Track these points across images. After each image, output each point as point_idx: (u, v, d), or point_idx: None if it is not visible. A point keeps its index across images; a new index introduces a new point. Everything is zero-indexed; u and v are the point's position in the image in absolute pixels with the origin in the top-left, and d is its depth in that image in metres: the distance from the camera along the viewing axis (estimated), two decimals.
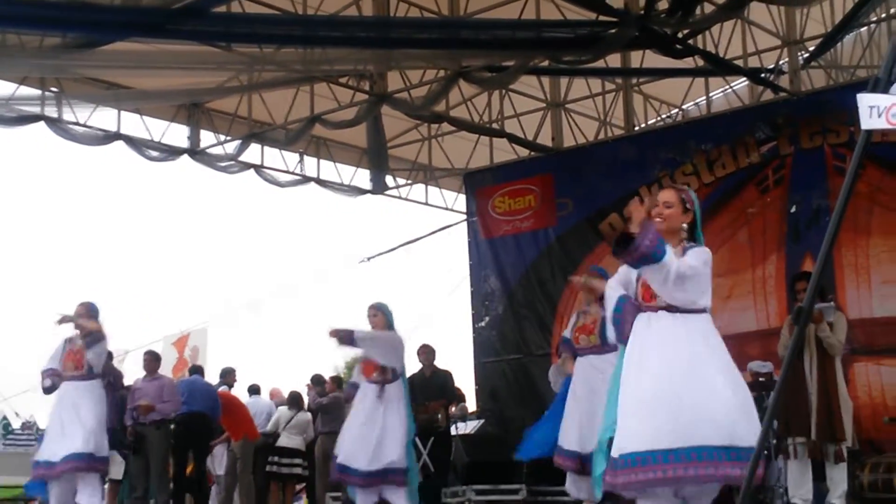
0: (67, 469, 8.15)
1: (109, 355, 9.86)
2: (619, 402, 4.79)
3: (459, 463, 10.53)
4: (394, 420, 8.17)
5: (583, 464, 7.29)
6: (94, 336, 8.38)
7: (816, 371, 7.82)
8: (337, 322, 8.31)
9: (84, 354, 8.38)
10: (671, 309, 4.78)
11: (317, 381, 12.56)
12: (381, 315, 8.43)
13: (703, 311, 4.81)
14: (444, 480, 10.49)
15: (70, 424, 8.24)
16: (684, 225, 4.89)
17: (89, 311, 8.55)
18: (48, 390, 8.48)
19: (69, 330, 8.54)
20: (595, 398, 7.14)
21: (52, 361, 8.53)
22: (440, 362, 11.52)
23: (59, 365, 8.49)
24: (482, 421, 12.22)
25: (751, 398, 4.78)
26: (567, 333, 7.93)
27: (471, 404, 13.65)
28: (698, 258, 4.76)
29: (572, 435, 7.50)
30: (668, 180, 11.85)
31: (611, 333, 6.95)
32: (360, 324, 8.43)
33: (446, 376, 11.45)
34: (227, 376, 12.29)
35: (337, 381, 12.91)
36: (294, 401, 12.57)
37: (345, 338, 8.19)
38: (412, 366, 11.46)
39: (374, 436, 8.09)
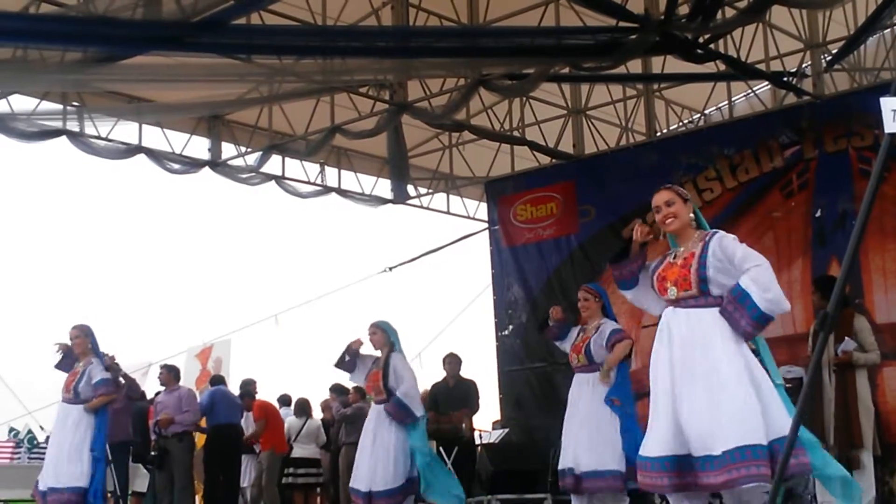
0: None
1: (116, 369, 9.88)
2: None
3: (484, 472, 10.49)
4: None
5: (578, 482, 7.30)
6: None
7: (835, 377, 7.73)
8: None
9: (75, 379, 8.43)
10: (679, 303, 4.85)
11: (338, 390, 12.52)
12: (380, 333, 8.55)
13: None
14: (469, 490, 10.44)
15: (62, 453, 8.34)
16: (691, 215, 5.04)
17: (85, 334, 8.61)
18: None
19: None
20: (581, 416, 7.37)
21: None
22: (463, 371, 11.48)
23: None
24: (506, 430, 12.15)
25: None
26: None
27: (494, 413, 13.58)
28: None
29: (567, 454, 7.47)
30: (691, 186, 11.78)
31: (595, 353, 7.09)
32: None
33: (470, 386, 11.39)
34: (249, 387, 12.27)
35: (360, 391, 12.87)
36: (302, 409, 12.53)
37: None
38: (437, 375, 11.47)
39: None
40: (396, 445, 8.25)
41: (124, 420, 10.56)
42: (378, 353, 8.64)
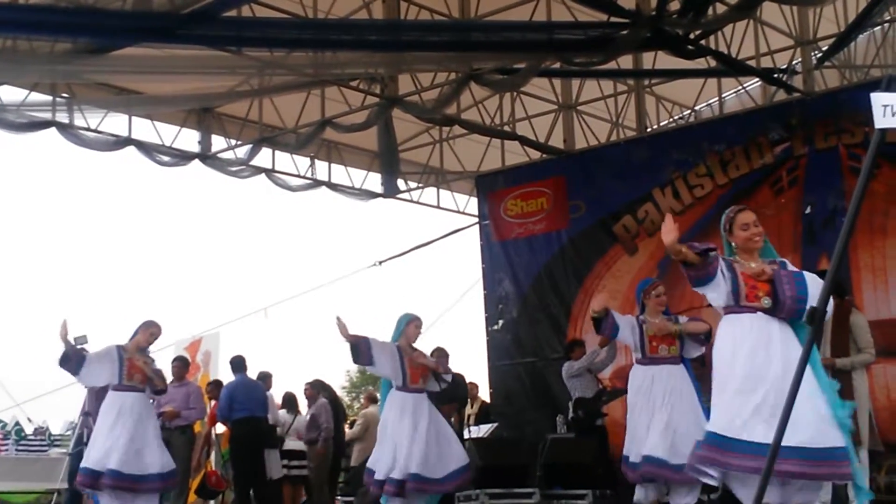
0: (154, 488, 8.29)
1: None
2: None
3: (472, 466, 10.48)
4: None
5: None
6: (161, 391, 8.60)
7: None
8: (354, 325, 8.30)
9: (147, 372, 8.41)
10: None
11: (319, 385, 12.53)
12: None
13: None
14: None
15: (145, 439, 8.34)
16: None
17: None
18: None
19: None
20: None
21: (107, 364, 8.48)
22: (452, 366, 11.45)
23: (119, 373, 8.44)
24: (495, 424, 12.15)
25: None
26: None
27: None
28: None
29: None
30: (682, 182, 11.81)
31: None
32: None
33: (458, 380, 11.38)
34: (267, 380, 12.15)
35: (316, 387, 12.66)
36: (290, 403, 12.48)
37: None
38: None
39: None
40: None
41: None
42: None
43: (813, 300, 4.92)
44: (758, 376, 5.22)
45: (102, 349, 8.45)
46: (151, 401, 8.73)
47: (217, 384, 12.04)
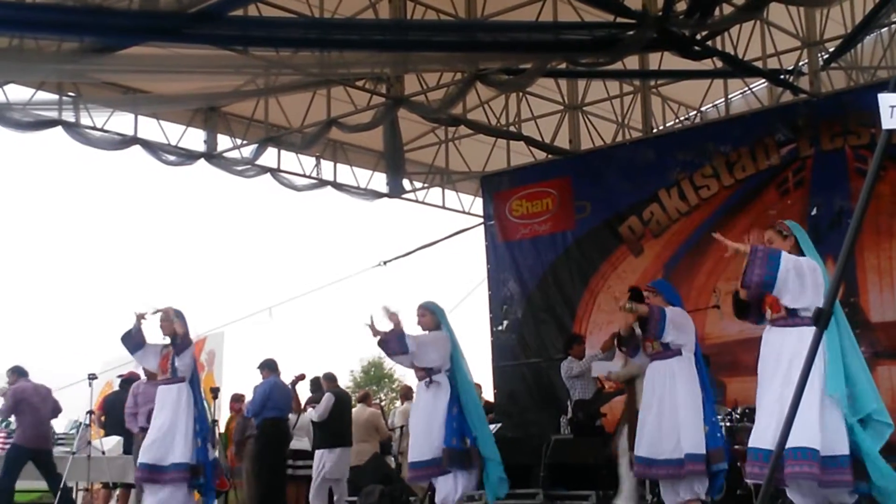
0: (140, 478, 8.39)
1: None
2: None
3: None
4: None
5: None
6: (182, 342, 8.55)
7: None
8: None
9: (169, 358, 8.49)
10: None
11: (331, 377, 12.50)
12: (428, 315, 8.31)
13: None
14: None
15: (153, 432, 8.45)
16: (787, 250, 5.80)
17: (176, 315, 8.67)
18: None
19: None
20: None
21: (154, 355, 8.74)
22: None
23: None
24: (499, 425, 12.14)
25: None
26: None
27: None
28: None
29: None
30: (688, 183, 11.79)
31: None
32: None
33: None
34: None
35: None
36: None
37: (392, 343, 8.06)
38: None
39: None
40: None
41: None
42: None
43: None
44: (763, 390, 5.65)
45: (160, 342, 8.74)
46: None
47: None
